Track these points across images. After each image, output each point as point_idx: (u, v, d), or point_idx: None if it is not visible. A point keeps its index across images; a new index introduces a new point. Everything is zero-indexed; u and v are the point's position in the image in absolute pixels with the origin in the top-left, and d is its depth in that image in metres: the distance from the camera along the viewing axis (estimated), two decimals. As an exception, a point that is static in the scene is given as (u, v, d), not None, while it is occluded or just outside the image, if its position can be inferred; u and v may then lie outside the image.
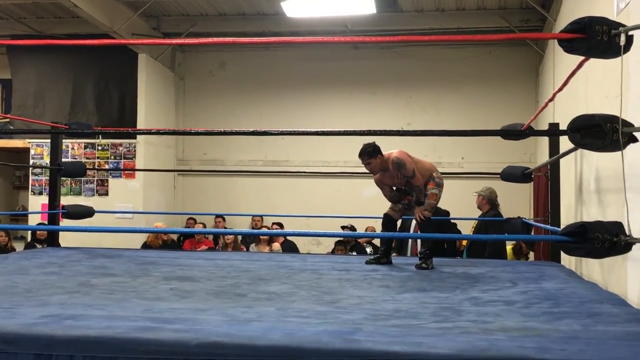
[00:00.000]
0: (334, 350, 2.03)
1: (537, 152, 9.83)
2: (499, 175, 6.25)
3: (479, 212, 7.42)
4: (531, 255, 8.04)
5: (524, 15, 9.63)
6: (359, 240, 9.09)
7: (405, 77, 10.97)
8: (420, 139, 9.95)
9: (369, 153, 5.15)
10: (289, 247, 9.42)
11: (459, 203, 9.12)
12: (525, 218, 5.97)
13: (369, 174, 8.47)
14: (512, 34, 8.80)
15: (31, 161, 10.54)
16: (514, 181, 5.79)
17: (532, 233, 6.26)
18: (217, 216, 10.51)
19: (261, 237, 9.07)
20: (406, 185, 5.25)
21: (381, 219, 5.48)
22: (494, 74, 10.71)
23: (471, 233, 7.54)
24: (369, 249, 8.84)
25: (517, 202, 9.37)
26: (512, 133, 3.71)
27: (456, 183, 10.15)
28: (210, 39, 6.31)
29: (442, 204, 7.40)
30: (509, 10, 9.66)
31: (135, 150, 10.32)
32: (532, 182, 7.97)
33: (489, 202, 7.10)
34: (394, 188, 5.34)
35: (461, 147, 10.54)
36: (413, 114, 10.80)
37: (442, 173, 9.98)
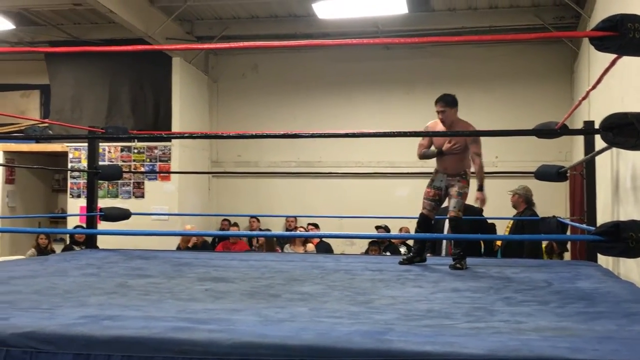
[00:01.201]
0: (365, 350, 2.05)
1: (573, 150, 9.71)
2: (533, 174, 6.18)
3: (514, 212, 7.36)
4: (568, 254, 7.96)
5: (558, 13, 9.52)
6: (392, 240, 9.09)
7: (437, 76, 10.90)
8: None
9: (448, 101, 5.19)
10: (324, 248, 9.45)
11: (493, 202, 9.02)
12: (560, 217, 5.91)
13: (402, 174, 8.67)
14: (542, 32, 8.72)
15: (69, 164, 10.73)
16: (549, 180, 5.73)
17: (568, 232, 6.20)
18: (252, 217, 10.59)
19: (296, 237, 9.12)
20: (446, 155, 5.19)
21: (415, 219, 5.47)
22: (527, 72, 10.60)
23: (506, 233, 7.48)
24: (402, 249, 8.83)
25: (553, 201, 9.26)
26: (544, 132, 3.68)
27: (490, 182, 10.04)
28: (242, 43, 6.37)
29: (472, 203, 7.41)
30: (543, 7, 9.55)
31: (170, 153, 10.44)
32: (568, 181, 7.89)
33: (525, 200, 7.04)
34: (434, 148, 5.28)
35: (495, 146, 10.43)
36: (446, 113, 10.72)
37: (474, 173, 9.97)
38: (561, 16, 9.52)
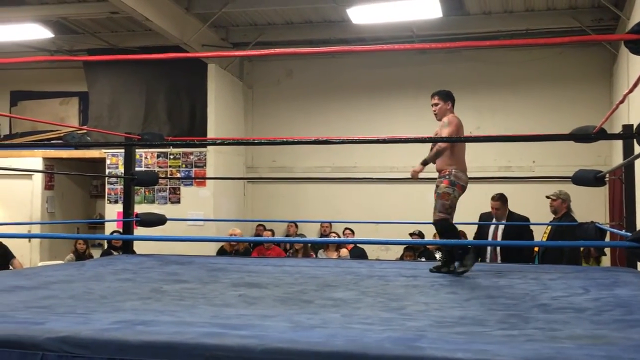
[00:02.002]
0: (395, 357, 2.03)
1: (612, 154, 9.55)
2: (570, 179, 6.08)
3: (550, 217, 7.25)
4: (606, 260, 7.82)
5: (596, 15, 9.38)
6: (428, 246, 9.03)
7: (473, 81, 10.83)
8: (489, 143, 9.82)
9: (442, 94, 5.16)
10: (358, 253, 9.43)
11: (531, 208, 8.93)
12: (599, 223, 5.81)
13: (435, 179, 8.41)
14: (580, 35, 8.59)
15: (107, 170, 10.89)
16: (586, 185, 5.63)
17: (607, 239, 6.08)
18: (289, 223, 10.62)
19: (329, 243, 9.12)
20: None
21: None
22: (565, 76, 10.47)
23: (544, 239, 7.37)
24: (438, 255, 8.76)
25: (592, 206, 9.12)
26: (580, 137, 3.62)
27: (527, 187, 9.97)
28: (277, 50, 6.42)
29: (511, 209, 7.33)
30: (580, 9, 9.43)
31: (205, 159, 10.53)
32: (608, 186, 7.76)
33: (567, 205, 6.94)
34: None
35: (532, 150, 10.34)
36: (482, 118, 10.65)
37: (511, 178, 9.84)
38: (599, 18, 9.38)
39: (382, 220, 9.68)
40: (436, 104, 5.19)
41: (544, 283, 4.27)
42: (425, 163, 5.03)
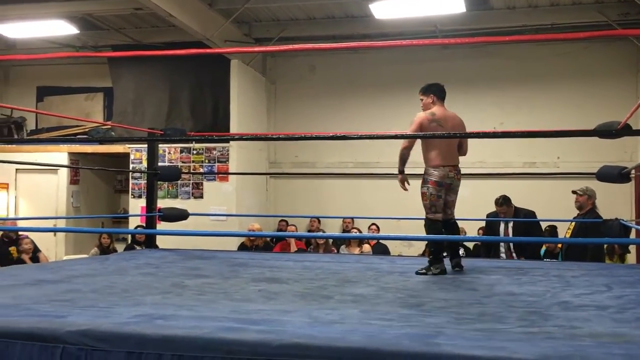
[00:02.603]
0: (412, 353, 2.03)
1: (639, 150, 9.44)
2: (594, 176, 6.02)
3: (575, 213, 7.18)
4: (631, 258, 7.74)
5: (623, 9, 9.25)
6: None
7: (497, 76, 10.75)
8: (513, 139, 9.73)
9: (422, 89, 5.15)
10: (381, 249, 9.41)
11: (555, 204, 8.88)
12: (623, 220, 5.74)
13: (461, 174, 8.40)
14: (606, 30, 8.48)
15: (131, 165, 10.97)
16: (610, 181, 5.56)
17: (632, 236, 6.01)
18: (312, 218, 10.63)
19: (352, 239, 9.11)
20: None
21: (477, 220, 5.34)
22: (590, 70, 10.34)
23: (567, 235, 7.31)
24: (461, 251, 8.71)
25: (617, 203, 9.00)
26: (603, 133, 3.57)
27: (552, 184, 9.89)
28: (300, 46, 6.43)
29: (535, 205, 7.28)
30: (606, 4, 9.29)
31: (228, 154, 10.56)
32: (634, 182, 7.65)
33: (593, 202, 6.89)
34: None
35: (557, 146, 10.23)
36: (506, 114, 10.57)
37: (535, 174, 9.75)
38: (626, 12, 9.25)
39: (405, 216, 9.64)
40: (420, 100, 5.15)
41: (566, 280, 4.23)
42: (400, 172, 5.10)
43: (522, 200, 7.45)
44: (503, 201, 7.03)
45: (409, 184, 5.12)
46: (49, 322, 2.47)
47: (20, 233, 8.79)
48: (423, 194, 4.96)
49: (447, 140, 4.92)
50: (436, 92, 5.08)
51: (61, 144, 11.43)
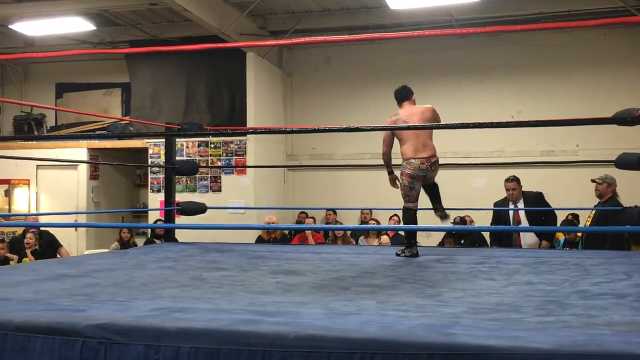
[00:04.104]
0: (427, 344, 2.04)
1: (658, 137, 9.33)
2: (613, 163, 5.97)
3: (595, 201, 7.13)
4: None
5: (641, -6, 9.15)
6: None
7: (514, 64, 10.67)
8: (531, 127, 9.68)
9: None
10: (399, 240, 9.39)
11: (574, 193, 8.83)
12: (644, 207, 5.68)
13: (479, 164, 8.57)
14: (622, 17, 8.38)
15: (149, 160, 11.04)
16: (630, 169, 5.51)
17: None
18: (328, 210, 10.64)
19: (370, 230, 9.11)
20: None
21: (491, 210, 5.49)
22: (609, 57, 10.23)
23: (587, 224, 7.26)
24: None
25: (636, 190, 8.91)
26: (622, 121, 3.54)
27: (571, 172, 9.82)
28: (315, 38, 6.42)
29: (553, 193, 7.23)
30: (625, -12, 9.20)
31: (245, 147, 10.59)
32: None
33: (613, 190, 6.84)
34: None
35: (575, 134, 10.16)
36: (524, 102, 10.50)
37: (554, 162, 9.70)
38: (644, -2, 9.15)
39: (422, 207, 9.62)
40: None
41: (585, 269, 4.21)
42: (389, 173, 5.62)
43: (541, 189, 7.40)
44: (513, 178, 7.09)
45: (399, 181, 5.47)
46: (69, 316, 2.51)
47: (40, 229, 8.90)
48: (400, 185, 5.40)
49: (416, 135, 5.24)
50: (396, 97, 5.61)
51: (80, 140, 11.52)
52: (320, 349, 2.09)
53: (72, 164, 11.32)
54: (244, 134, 10.46)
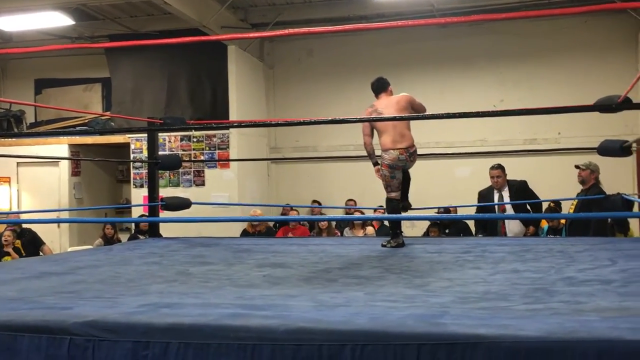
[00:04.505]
0: (417, 334, 2.03)
1: (639, 124, 9.42)
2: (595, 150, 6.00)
3: (578, 188, 7.18)
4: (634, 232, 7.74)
5: (621, -19, 9.19)
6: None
7: (496, 53, 10.71)
8: (513, 116, 9.71)
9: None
10: (385, 231, 9.41)
11: (557, 180, 8.88)
12: (626, 194, 5.74)
13: (462, 154, 8.54)
14: (603, 4, 8.40)
15: (131, 155, 10.97)
16: (612, 155, 5.55)
17: (635, 210, 6.01)
18: (313, 203, 10.63)
19: (355, 221, 9.12)
20: None
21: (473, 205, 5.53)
22: (590, 45, 10.29)
23: (571, 211, 7.32)
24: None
25: (619, 177, 8.99)
26: (603, 108, 3.56)
27: (553, 160, 9.88)
28: (297, 30, 6.39)
29: (536, 181, 7.28)
30: (604, -24, 9.23)
31: (229, 141, 10.55)
32: (635, 156, 7.65)
33: (596, 177, 6.89)
34: None
35: (557, 122, 10.20)
36: (506, 91, 10.54)
37: (537, 151, 9.73)
38: (624, -15, 9.18)
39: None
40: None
41: (570, 256, 4.24)
42: (374, 164, 5.62)
43: (525, 177, 7.44)
44: (498, 165, 7.17)
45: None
46: (55, 314, 2.48)
47: (23, 226, 8.81)
48: (380, 176, 5.45)
49: (394, 126, 5.28)
50: (373, 88, 5.61)
51: (61, 136, 11.42)
52: (311, 341, 2.09)
53: (53, 160, 11.21)
54: (227, 128, 10.42)
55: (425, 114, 5.51)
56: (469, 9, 9.84)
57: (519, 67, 10.63)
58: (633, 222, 8.00)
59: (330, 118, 4.79)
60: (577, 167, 6.99)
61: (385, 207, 5.56)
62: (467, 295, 2.83)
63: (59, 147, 11.29)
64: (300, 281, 3.43)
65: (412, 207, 5.77)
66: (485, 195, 7.24)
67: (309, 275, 3.65)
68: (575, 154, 8.40)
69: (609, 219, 7.10)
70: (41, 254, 8.71)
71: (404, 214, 5.67)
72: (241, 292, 3.06)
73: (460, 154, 10.15)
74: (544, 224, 8.21)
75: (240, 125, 10.67)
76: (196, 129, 10.46)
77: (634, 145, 5.85)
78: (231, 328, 2.21)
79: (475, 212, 7.38)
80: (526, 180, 7.27)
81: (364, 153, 5.75)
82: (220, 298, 2.87)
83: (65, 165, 11.56)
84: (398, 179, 5.40)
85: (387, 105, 5.37)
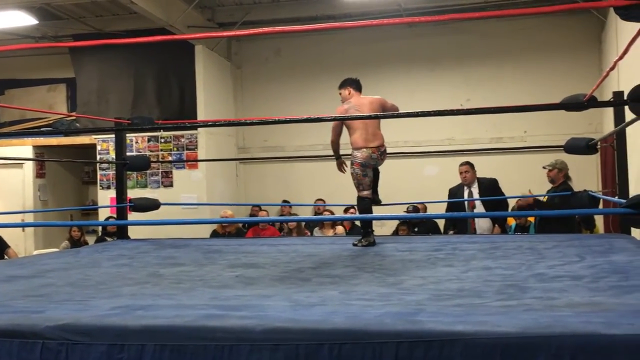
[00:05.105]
0: (396, 332, 2.04)
1: (603, 122, 9.56)
2: (562, 148, 6.08)
3: (548, 186, 7.26)
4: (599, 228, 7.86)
5: (584, -19, 9.33)
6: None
7: (463, 53, 10.80)
8: (479, 115, 9.80)
9: (340, 84, 5.64)
10: (356, 231, 9.42)
11: (524, 178, 8.97)
12: (592, 191, 5.82)
13: (430, 152, 8.53)
14: (567, 4, 8.55)
15: (98, 157, 10.84)
16: (578, 153, 5.63)
17: (600, 206, 6.10)
18: (284, 201, 10.61)
19: (324, 221, 9.12)
20: None
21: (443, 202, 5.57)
22: (554, 45, 10.44)
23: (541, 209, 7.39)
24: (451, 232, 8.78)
25: (584, 174, 9.13)
26: (572, 106, 3.61)
27: (519, 158, 9.99)
28: (264, 29, 6.37)
29: (504, 179, 7.36)
30: (568, -24, 9.37)
31: (197, 141, 10.49)
32: (599, 154, 7.77)
33: (564, 174, 6.98)
34: None
35: (523, 120, 10.34)
36: (472, 90, 10.64)
37: (504, 149, 9.83)
38: (587, -15, 9.33)
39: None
40: (339, 94, 5.65)
41: (539, 252, 4.29)
42: (337, 158, 5.68)
43: (492, 176, 7.52)
44: (466, 162, 7.30)
45: (346, 166, 5.63)
46: (26, 318, 2.43)
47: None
48: (351, 175, 5.45)
49: (366, 125, 5.33)
50: (352, 84, 5.57)
51: (25, 137, 11.24)
52: (288, 341, 2.08)
53: (17, 162, 11.02)
54: (196, 127, 10.36)
55: (394, 112, 5.56)
56: (436, 8, 9.91)
57: (484, 67, 10.75)
58: (598, 219, 8.11)
59: (300, 117, 4.77)
60: (544, 167, 7.08)
61: (356, 205, 5.58)
62: (441, 292, 2.85)
63: (23, 149, 11.11)
64: (274, 281, 3.42)
65: (382, 203, 5.76)
66: (455, 192, 7.32)
67: (282, 275, 3.64)
68: (541, 152, 8.51)
69: (576, 216, 7.19)
70: (6, 257, 8.54)
71: (375, 214, 5.68)
72: (215, 292, 3.03)
73: (428, 152, 10.20)
74: (512, 222, 8.30)
75: (210, 124, 10.60)
76: (165, 129, 10.38)
77: (599, 143, 5.95)
78: (207, 329, 2.20)
79: (446, 209, 7.43)
80: (496, 179, 7.35)
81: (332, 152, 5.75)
82: (194, 299, 2.85)
83: (29, 167, 11.38)
84: (370, 177, 5.42)
85: (362, 104, 5.42)
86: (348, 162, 5.57)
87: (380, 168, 5.67)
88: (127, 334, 2.23)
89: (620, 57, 3.65)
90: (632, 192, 5.24)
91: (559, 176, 6.93)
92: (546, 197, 7.06)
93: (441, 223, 8.87)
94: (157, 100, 10.88)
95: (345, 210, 9.59)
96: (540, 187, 7.61)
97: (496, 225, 7.15)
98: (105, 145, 10.74)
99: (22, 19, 9.74)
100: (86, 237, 9.57)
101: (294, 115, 9.46)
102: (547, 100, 8.72)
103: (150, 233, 7.93)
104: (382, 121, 5.50)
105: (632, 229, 5.34)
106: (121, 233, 6.47)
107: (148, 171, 10.28)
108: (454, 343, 1.97)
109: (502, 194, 7.28)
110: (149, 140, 10.65)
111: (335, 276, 3.54)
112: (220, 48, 11.11)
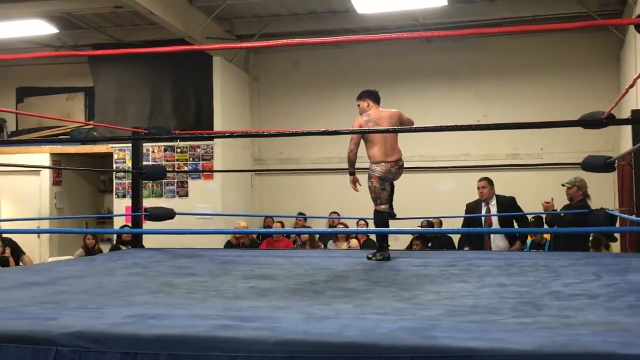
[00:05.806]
0: (410, 347, 2.03)
1: (621, 140, 9.49)
2: (579, 166, 6.04)
3: (562, 204, 7.21)
4: (615, 247, 7.79)
5: (602, 0, 9.31)
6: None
7: (479, 69, 10.79)
8: (496, 130, 9.77)
9: (358, 96, 5.62)
10: (370, 244, 9.40)
11: (540, 195, 8.90)
12: (609, 209, 5.77)
13: (446, 168, 8.43)
14: (586, 21, 8.54)
15: (114, 165, 10.90)
16: (596, 171, 5.60)
17: (617, 225, 6.05)
18: (297, 217, 10.61)
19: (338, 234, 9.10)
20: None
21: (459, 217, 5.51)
22: (572, 62, 10.41)
23: (556, 226, 7.34)
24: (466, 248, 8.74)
25: (601, 192, 9.06)
26: (590, 123, 3.59)
27: (536, 175, 9.94)
28: (282, 41, 6.40)
29: (520, 196, 7.31)
30: (586, -5, 9.36)
31: (212, 152, 10.52)
32: (617, 172, 7.71)
33: (583, 192, 6.92)
34: None
35: (540, 137, 10.29)
36: (489, 106, 10.61)
37: (520, 165, 9.78)
38: (605, 3, 9.32)
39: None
40: (357, 105, 5.61)
41: (554, 270, 4.25)
42: (350, 174, 5.56)
43: (508, 192, 7.47)
44: (485, 178, 7.19)
45: (360, 184, 5.55)
46: (40, 324, 2.44)
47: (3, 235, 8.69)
48: (369, 188, 5.39)
49: (385, 138, 5.32)
50: (370, 96, 5.55)
51: (43, 145, 11.32)
52: (301, 353, 2.07)
53: (35, 169, 11.10)
54: (212, 138, 10.39)
55: (412, 127, 5.54)
56: (453, 24, 9.91)
57: (502, 83, 10.72)
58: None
59: (317, 130, 4.78)
60: (563, 185, 7.03)
61: (373, 219, 5.50)
62: (455, 308, 2.83)
63: (41, 156, 11.19)
64: (288, 293, 3.41)
65: (397, 217, 5.73)
66: (473, 208, 7.24)
67: (295, 287, 3.63)
68: (558, 169, 8.45)
69: (591, 235, 7.13)
70: (21, 263, 8.59)
71: (390, 228, 5.64)
72: (228, 303, 3.03)
73: (444, 167, 10.17)
74: (527, 239, 8.24)
75: (227, 135, 10.63)
76: (181, 139, 10.42)
77: (617, 161, 5.91)
78: (221, 339, 2.19)
79: (462, 224, 7.36)
80: (514, 197, 7.27)
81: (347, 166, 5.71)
82: (208, 309, 2.84)
83: (46, 175, 11.46)
84: (387, 191, 5.38)
85: (383, 118, 5.38)
86: (361, 179, 5.54)
87: (395, 182, 5.64)
88: (141, 343, 2.23)
89: (640, 75, 3.63)
90: (650, 211, 5.20)
91: (578, 194, 6.87)
92: (563, 214, 7.00)
93: (455, 239, 8.83)
94: (174, 110, 10.94)
95: (358, 222, 9.59)
96: (557, 204, 7.55)
97: (518, 242, 7.02)
98: (122, 154, 10.80)
99: (42, 28, 9.85)
100: (101, 245, 9.60)
101: (311, 129, 9.50)
102: (563, 117, 8.68)
103: (164, 242, 7.94)
104: (401, 135, 5.49)
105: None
106: (136, 242, 6.49)
107: (164, 181, 10.32)
108: (469, 359, 1.96)
109: (519, 209, 7.20)
110: (165, 150, 10.70)
111: (349, 289, 3.53)
112: (238, 60, 11.16)
